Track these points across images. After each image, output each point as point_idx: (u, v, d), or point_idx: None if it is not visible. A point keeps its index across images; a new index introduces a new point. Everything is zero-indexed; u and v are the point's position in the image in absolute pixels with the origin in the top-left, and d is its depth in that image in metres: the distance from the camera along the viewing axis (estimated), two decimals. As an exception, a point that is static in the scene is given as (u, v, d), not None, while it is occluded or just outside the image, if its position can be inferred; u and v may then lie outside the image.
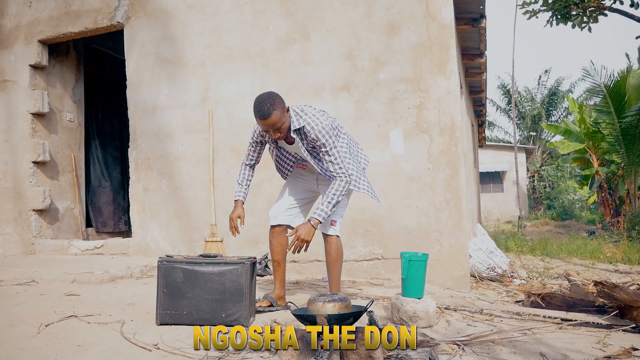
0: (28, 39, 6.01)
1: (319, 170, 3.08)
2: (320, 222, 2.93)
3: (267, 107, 2.77)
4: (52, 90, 6.29)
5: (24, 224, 5.96)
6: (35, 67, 6.06)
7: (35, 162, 5.98)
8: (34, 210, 5.94)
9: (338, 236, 3.19)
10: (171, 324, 2.83)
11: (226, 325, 2.78)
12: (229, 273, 2.87)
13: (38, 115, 6.06)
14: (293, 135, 2.97)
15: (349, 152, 3.16)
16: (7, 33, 6.14)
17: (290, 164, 3.30)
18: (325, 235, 3.19)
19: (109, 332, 2.69)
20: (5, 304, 3.38)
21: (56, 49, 6.34)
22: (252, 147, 3.25)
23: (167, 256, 2.99)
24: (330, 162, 2.95)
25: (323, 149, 2.94)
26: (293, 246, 2.90)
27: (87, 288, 4.02)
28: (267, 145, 3.27)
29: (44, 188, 6.02)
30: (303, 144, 2.99)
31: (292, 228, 3.22)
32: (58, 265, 4.79)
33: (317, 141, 2.92)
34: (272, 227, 3.27)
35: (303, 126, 2.93)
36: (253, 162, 3.32)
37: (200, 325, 2.76)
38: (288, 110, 2.92)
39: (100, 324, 2.85)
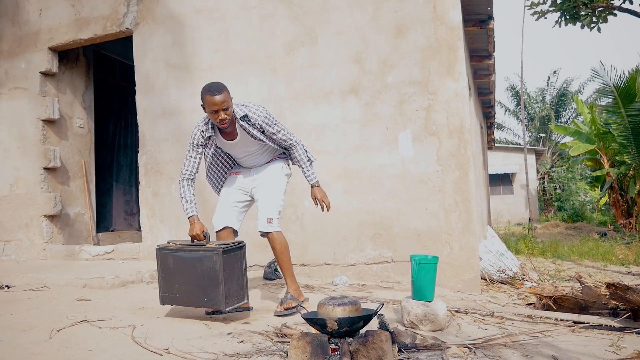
0: (38, 46, 6.07)
1: (272, 144, 3.37)
2: (318, 181, 3.47)
3: (217, 86, 3.12)
4: (62, 97, 6.35)
5: (36, 230, 6.01)
6: (46, 74, 6.12)
7: (46, 168, 6.04)
8: (45, 216, 5.99)
9: (278, 231, 3.40)
10: (170, 304, 3.17)
11: (206, 308, 3.08)
12: (206, 260, 3.01)
13: (49, 122, 6.12)
14: (241, 122, 3.23)
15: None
16: (18, 40, 6.21)
17: (223, 171, 3.61)
18: (267, 234, 3.41)
19: (120, 336, 2.71)
20: (17, 309, 3.40)
21: (66, 55, 6.40)
22: (192, 153, 3.36)
23: (168, 242, 3.27)
24: (282, 138, 3.36)
25: (273, 130, 3.30)
26: (324, 204, 3.44)
27: (98, 293, 4.04)
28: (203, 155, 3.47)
29: (54, 194, 6.07)
30: (247, 132, 3.28)
31: (235, 230, 3.52)
32: (69, 270, 4.82)
33: (264, 128, 3.27)
34: (217, 232, 3.51)
35: (246, 114, 3.23)
36: (194, 173, 3.38)
37: (190, 307, 3.09)
38: (231, 99, 3.21)
39: (111, 328, 2.87)
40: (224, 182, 3.64)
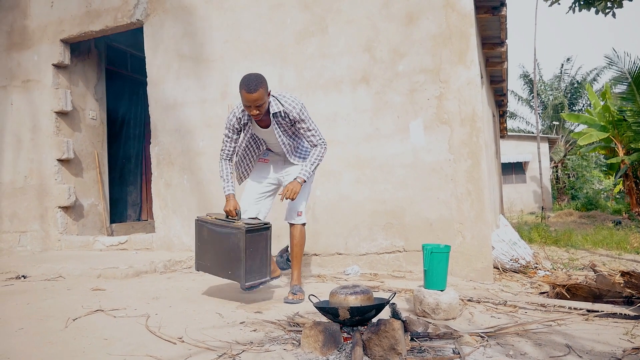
0: (50, 39, 6.11)
1: (287, 150, 3.46)
2: (305, 181, 3.35)
3: (255, 83, 3.08)
4: (74, 89, 6.39)
5: (50, 221, 6.08)
6: (58, 66, 6.16)
7: (60, 160, 6.10)
8: (59, 207, 6.06)
9: (304, 224, 3.55)
10: (203, 272, 3.44)
11: (230, 280, 3.27)
12: (232, 236, 3.21)
13: (62, 114, 6.17)
14: (272, 118, 3.30)
15: None
16: (30, 33, 6.25)
17: (254, 156, 3.61)
18: (292, 225, 3.55)
19: (135, 325, 2.74)
20: (34, 299, 3.46)
21: (78, 47, 6.43)
22: (229, 137, 3.45)
23: (207, 214, 3.48)
24: (312, 135, 3.38)
25: (304, 125, 3.34)
26: (285, 194, 3.28)
27: (112, 283, 4.09)
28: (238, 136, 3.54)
29: (68, 185, 6.13)
30: (278, 126, 3.35)
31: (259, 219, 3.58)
32: (84, 260, 4.88)
33: (298, 121, 3.31)
34: None
35: (279, 111, 3.27)
36: (231, 154, 3.52)
37: (217, 276, 3.37)
38: (269, 94, 3.23)
39: (125, 317, 2.90)
40: (249, 173, 3.70)
